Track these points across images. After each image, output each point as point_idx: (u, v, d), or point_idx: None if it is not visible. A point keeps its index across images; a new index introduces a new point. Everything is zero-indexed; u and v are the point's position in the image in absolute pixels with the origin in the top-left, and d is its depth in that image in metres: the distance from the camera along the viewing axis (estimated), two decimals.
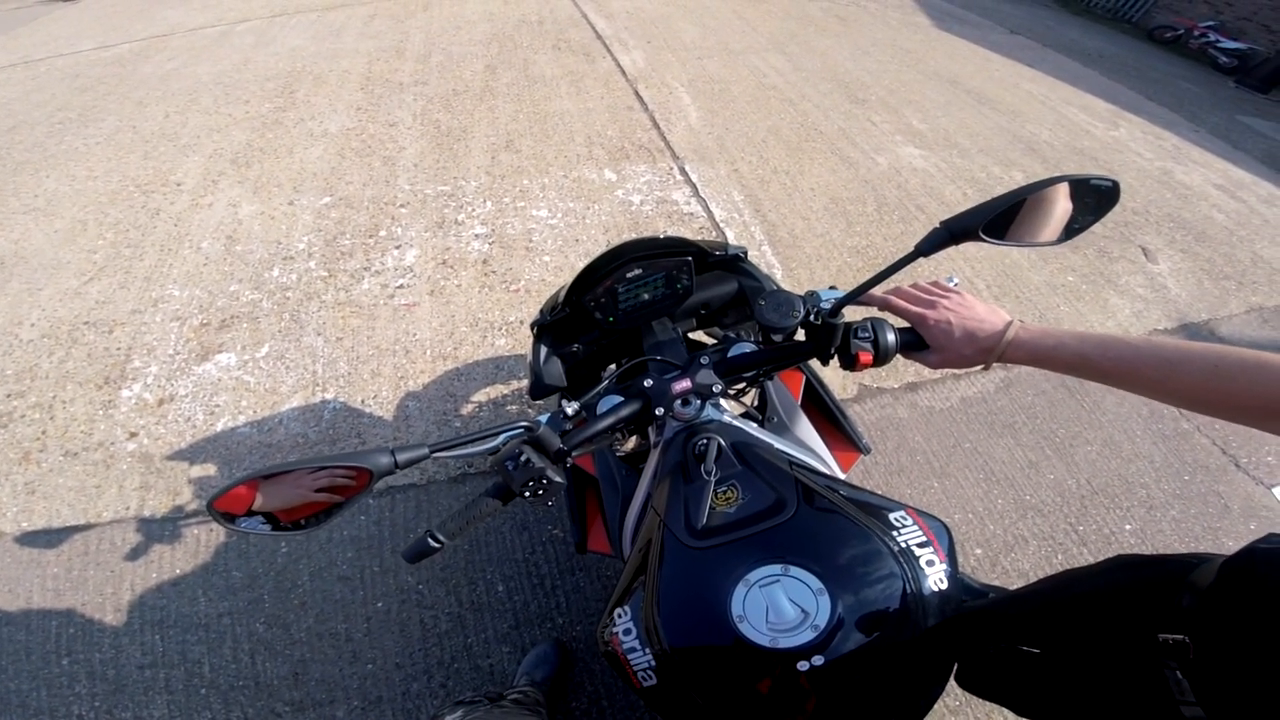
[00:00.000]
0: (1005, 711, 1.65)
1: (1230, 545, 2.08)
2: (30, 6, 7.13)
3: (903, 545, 0.79)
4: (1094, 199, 0.82)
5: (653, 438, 1.12)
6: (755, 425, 1.06)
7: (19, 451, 2.27)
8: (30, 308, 2.84)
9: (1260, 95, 6.10)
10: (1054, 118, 4.75)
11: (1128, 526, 2.14)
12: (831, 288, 1.00)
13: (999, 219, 0.80)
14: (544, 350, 1.25)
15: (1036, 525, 2.13)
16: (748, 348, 1.03)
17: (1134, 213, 3.72)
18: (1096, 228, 3.23)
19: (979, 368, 0.84)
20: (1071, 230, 0.84)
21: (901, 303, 0.89)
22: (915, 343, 0.90)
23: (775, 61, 5.26)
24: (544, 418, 0.93)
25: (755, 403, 1.36)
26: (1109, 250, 3.39)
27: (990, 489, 2.22)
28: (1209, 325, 2.99)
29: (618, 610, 0.86)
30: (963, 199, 3.67)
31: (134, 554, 2.01)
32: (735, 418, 1.05)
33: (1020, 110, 4.79)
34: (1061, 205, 0.82)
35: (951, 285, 0.89)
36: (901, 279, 0.88)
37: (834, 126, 4.34)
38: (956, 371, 2.60)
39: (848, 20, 6.28)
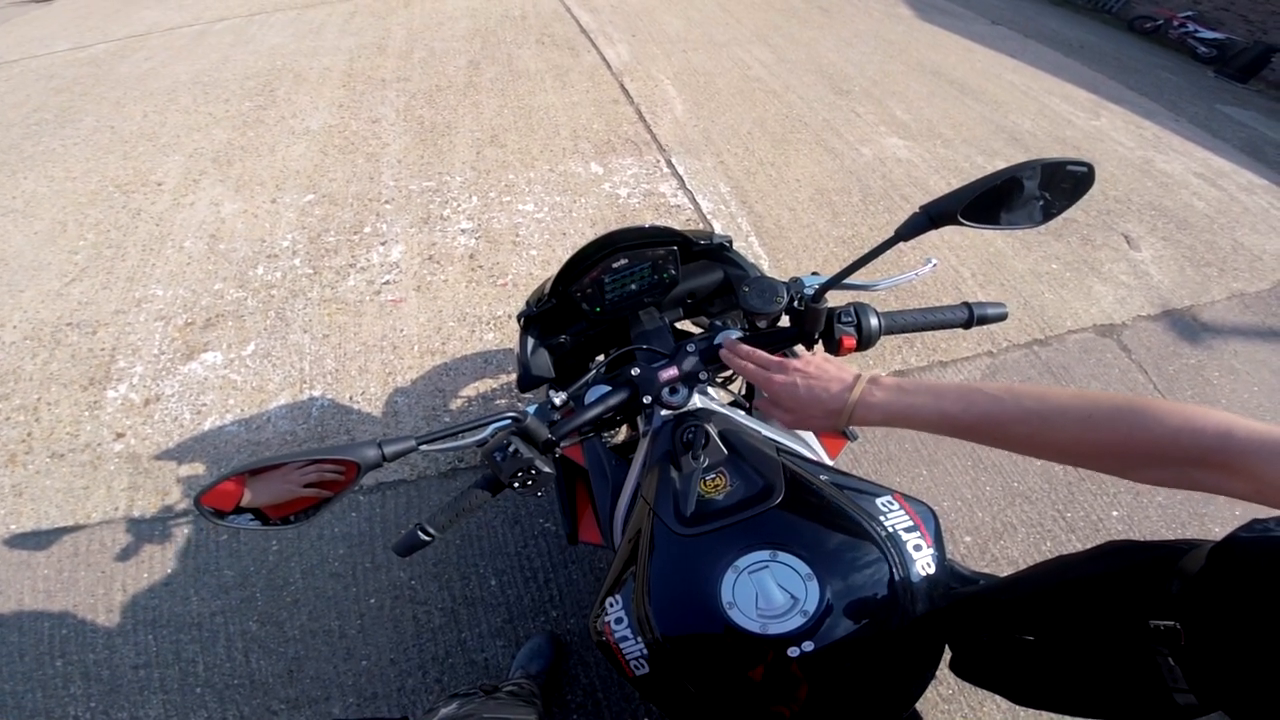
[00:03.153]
0: (997, 699, 1.68)
1: (1217, 532, 2.10)
2: (2, 8, 7.00)
3: (890, 530, 0.80)
4: (1070, 182, 0.83)
5: (641, 427, 1.13)
6: (743, 413, 1.06)
7: (5, 454, 2.24)
8: (12, 310, 2.80)
9: (1239, 85, 6.17)
10: (1036, 108, 4.79)
11: (1115, 513, 2.17)
12: (814, 274, 1.00)
13: (978, 203, 0.80)
14: (531, 341, 1.25)
15: (1025, 512, 2.15)
16: (734, 334, 1.03)
17: (1116, 201, 3.76)
18: (1079, 215, 3.26)
19: (849, 427, 0.79)
20: (1049, 213, 0.85)
21: (748, 365, 0.87)
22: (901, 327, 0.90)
23: (759, 53, 5.26)
24: (532, 408, 0.93)
25: (742, 390, 1.37)
26: (1092, 238, 3.42)
27: (978, 476, 2.24)
28: (1191, 311, 3.03)
29: (609, 600, 0.86)
30: (947, 188, 3.66)
31: (124, 554, 1.99)
32: (723, 405, 1.05)
33: (1003, 100, 4.82)
34: (1039, 189, 0.83)
35: (929, 268, 0.90)
36: (882, 263, 0.89)
37: (818, 118, 4.35)
38: (943, 359, 2.62)
39: (830, 12, 6.28)
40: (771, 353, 0.91)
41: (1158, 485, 0.59)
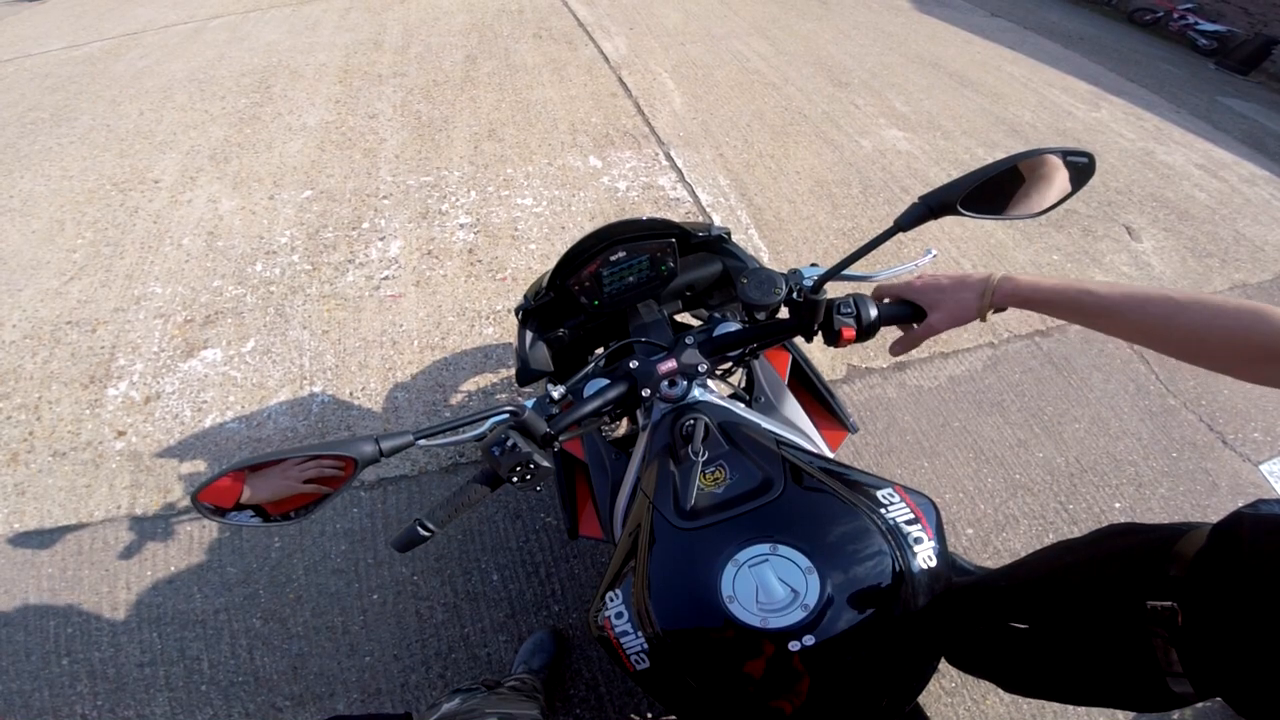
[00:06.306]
0: (1000, 693, 1.68)
1: None
2: None
3: (890, 522, 0.80)
4: (1071, 172, 0.83)
5: (641, 420, 1.13)
6: (742, 405, 1.06)
7: (7, 453, 2.25)
8: (11, 309, 2.80)
9: (1240, 77, 6.12)
10: (1036, 99, 4.76)
11: (1117, 505, 2.17)
12: (813, 265, 1.00)
13: (977, 193, 0.80)
14: (529, 335, 1.25)
15: (1027, 504, 2.15)
16: (733, 327, 1.03)
17: (1117, 192, 3.74)
18: (1080, 206, 3.25)
19: (976, 320, 0.86)
20: (1049, 203, 0.85)
21: (888, 282, 0.93)
22: (907, 314, 0.90)
23: (758, 46, 5.24)
24: (530, 402, 0.93)
25: (743, 383, 1.36)
26: (1093, 229, 3.41)
27: (980, 468, 2.24)
28: None
29: (609, 594, 0.86)
30: (946, 180, 3.65)
31: (128, 552, 2.00)
32: (722, 398, 1.05)
33: (1002, 92, 4.79)
34: (1038, 178, 0.83)
35: (928, 259, 0.90)
36: (882, 254, 0.89)
37: (818, 110, 4.34)
38: (945, 350, 2.62)
39: (828, 4, 6.25)
40: (770, 345, 0.91)
41: (1271, 385, 0.64)
